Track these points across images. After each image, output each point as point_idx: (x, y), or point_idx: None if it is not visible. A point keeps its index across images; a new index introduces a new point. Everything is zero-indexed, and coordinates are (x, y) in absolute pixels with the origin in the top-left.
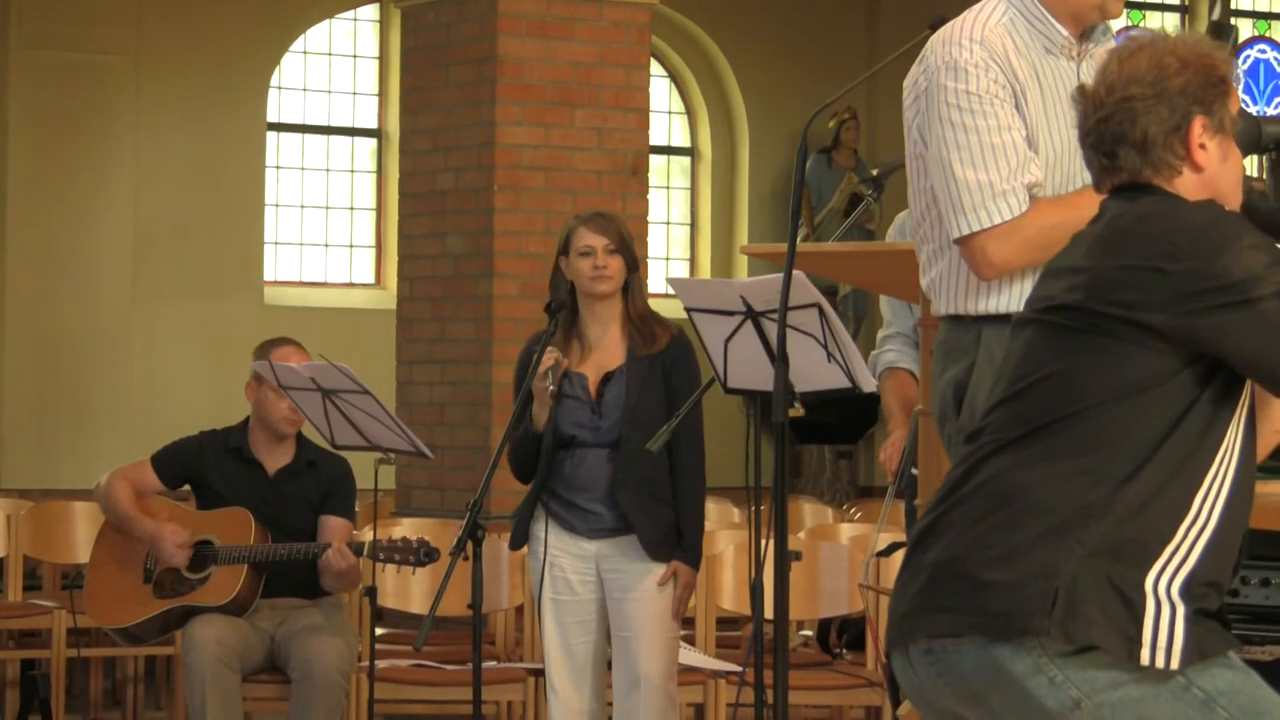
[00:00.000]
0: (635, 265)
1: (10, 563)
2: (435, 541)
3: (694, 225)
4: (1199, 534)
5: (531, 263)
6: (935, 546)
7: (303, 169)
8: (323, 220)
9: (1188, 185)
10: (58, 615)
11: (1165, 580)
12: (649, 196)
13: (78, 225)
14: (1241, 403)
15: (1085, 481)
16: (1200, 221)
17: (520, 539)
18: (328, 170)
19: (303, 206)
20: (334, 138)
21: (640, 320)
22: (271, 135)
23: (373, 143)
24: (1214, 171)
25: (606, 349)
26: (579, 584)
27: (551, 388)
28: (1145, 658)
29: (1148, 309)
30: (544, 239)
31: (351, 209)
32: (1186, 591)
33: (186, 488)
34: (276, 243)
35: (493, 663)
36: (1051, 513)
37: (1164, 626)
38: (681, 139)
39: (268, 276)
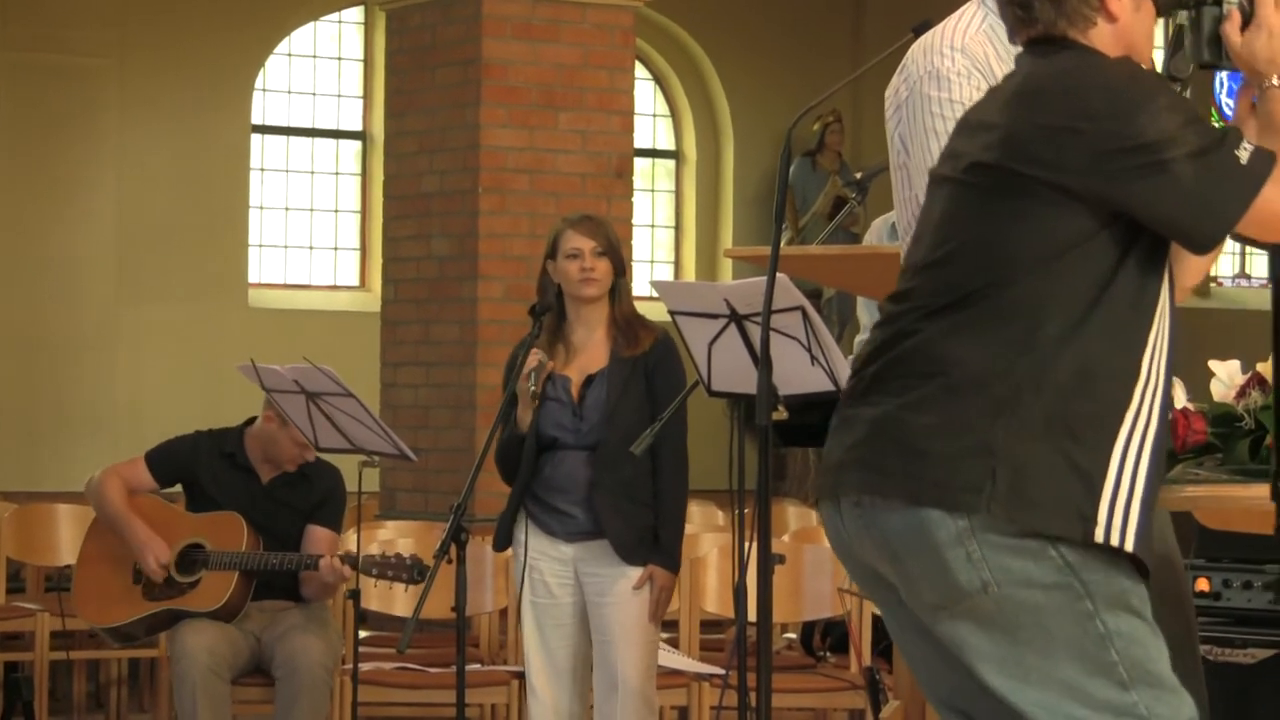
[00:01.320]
0: (623, 269)
1: None
2: (419, 544)
3: (678, 228)
4: (1154, 394)
5: (516, 265)
6: (871, 403)
7: (287, 171)
8: (307, 222)
9: (1103, 37)
10: (41, 618)
11: (1134, 447)
12: (633, 199)
13: (62, 227)
14: (1169, 261)
15: (1017, 351)
16: (1116, 80)
17: (504, 541)
18: (312, 172)
19: (287, 209)
20: (319, 140)
21: (625, 323)
22: (256, 137)
23: (357, 145)
24: (1127, 21)
25: (591, 352)
26: (557, 587)
27: (534, 389)
28: (1099, 536)
29: (1062, 169)
30: (529, 241)
31: (336, 211)
32: (1153, 460)
33: (178, 486)
34: (261, 245)
35: (476, 665)
36: (986, 386)
37: (1120, 507)
38: (666, 142)
39: (252, 279)
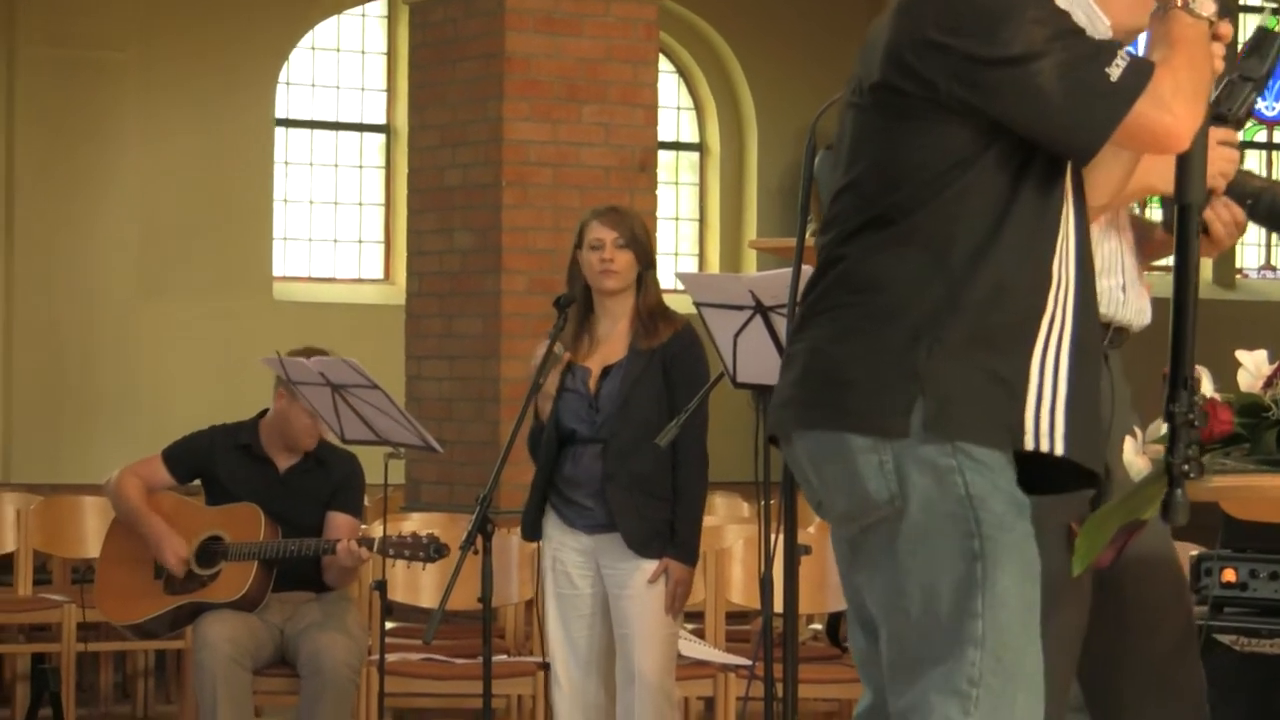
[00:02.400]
0: (649, 261)
1: (20, 557)
2: (444, 536)
3: (702, 221)
4: (1066, 294)
5: (539, 258)
6: (804, 339)
7: (311, 164)
8: (331, 216)
9: None
10: (67, 609)
11: (1053, 351)
12: (657, 192)
13: (85, 222)
14: (1068, 167)
15: (932, 274)
16: None
17: (532, 531)
18: (336, 166)
19: (311, 202)
20: (342, 133)
21: (648, 315)
22: (280, 131)
23: (381, 138)
24: None
25: (612, 343)
26: (579, 578)
27: (541, 381)
28: (1029, 443)
29: (933, 85)
30: (552, 235)
31: (360, 204)
32: (1073, 361)
33: (197, 482)
34: (285, 238)
35: (502, 656)
36: (905, 311)
37: (1045, 412)
38: (690, 135)
39: (276, 272)
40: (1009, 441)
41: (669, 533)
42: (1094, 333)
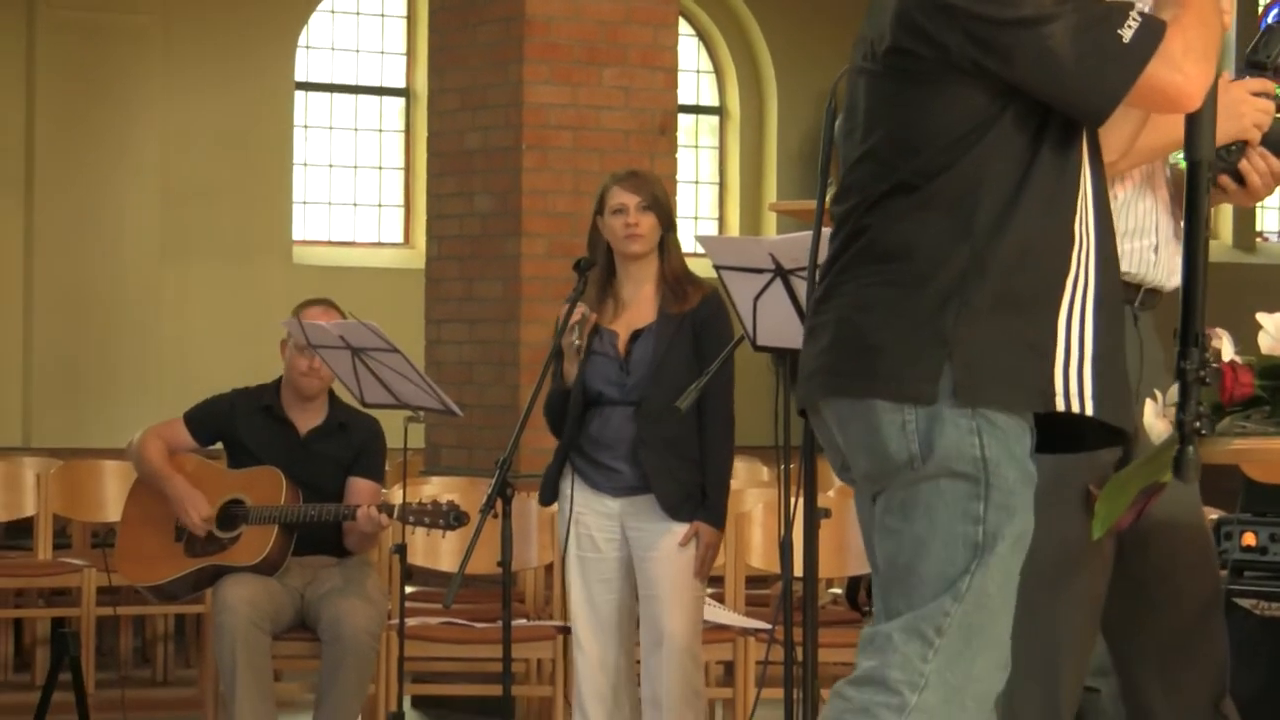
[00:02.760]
0: (670, 224)
1: (40, 521)
2: (463, 500)
3: (722, 184)
4: (1088, 254)
5: (559, 221)
6: (831, 309)
7: (331, 128)
8: (351, 180)
9: None
10: (87, 574)
11: (1078, 311)
12: (677, 156)
13: (106, 185)
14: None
15: (957, 239)
16: None
17: (549, 495)
18: (356, 130)
19: (331, 166)
20: (362, 97)
21: (674, 279)
22: (299, 95)
23: (401, 102)
24: None
25: (639, 307)
26: (603, 541)
27: (578, 342)
28: (1059, 404)
29: (946, 47)
30: (572, 198)
31: (379, 168)
32: (1098, 320)
33: (219, 445)
34: (305, 202)
35: (522, 620)
36: (930, 276)
37: (1073, 373)
38: (710, 98)
39: (296, 236)
40: (1038, 403)
41: (699, 496)
42: (1116, 291)
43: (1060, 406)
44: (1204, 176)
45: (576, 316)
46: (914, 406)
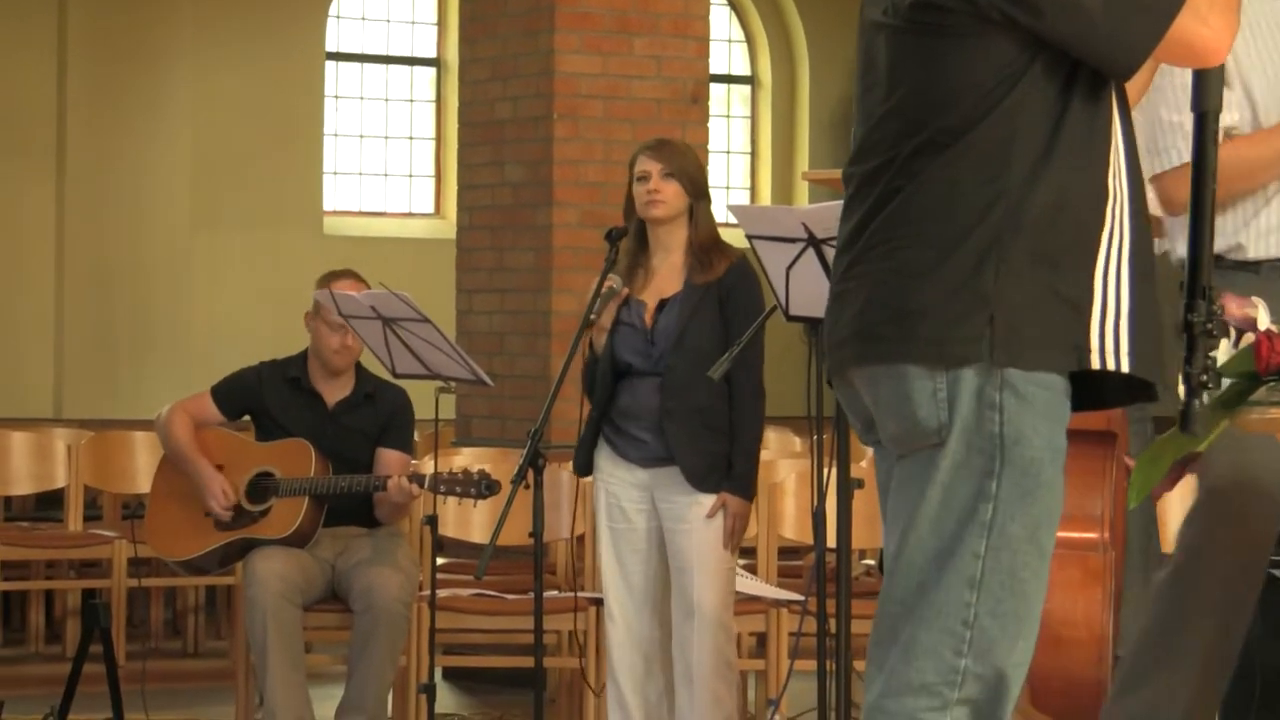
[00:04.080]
0: (700, 194)
1: (71, 492)
2: (495, 471)
3: (754, 154)
4: (1122, 210)
5: (590, 191)
6: (862, 274)
7: (361, 98)
8: (382, 150)
9: None
10: (118, 545)
11: (1114, 266)
12: (709, 125)
13: (136, 154)
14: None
15: (992, 196)
16: None
17: (584, 466)
18: (387, 100)
19: (362, 136)
20: (393, 67)
21: (702, 248)
22: (330, 65)
23: (432, 72)
24: None
25: (667, 276)
26: (634, 512)
27: (592, 317)
28: (1095, 362)
29: (974, 0)
30: (603, 168)
31: (411, 138)
32: (1133, 275)
33: (247, 418)
34: (335, 172)
35: (554, 592)
36: (966, 235)
37: (1109, 329)
38: (741, 67)
39: (327, 206)
40: (1074, 361)
41: (726, 467)
42: (1149, 247)
43: (1096, 364)
44: (1210, 126)
45: (605, 288)
46: (945, 373)
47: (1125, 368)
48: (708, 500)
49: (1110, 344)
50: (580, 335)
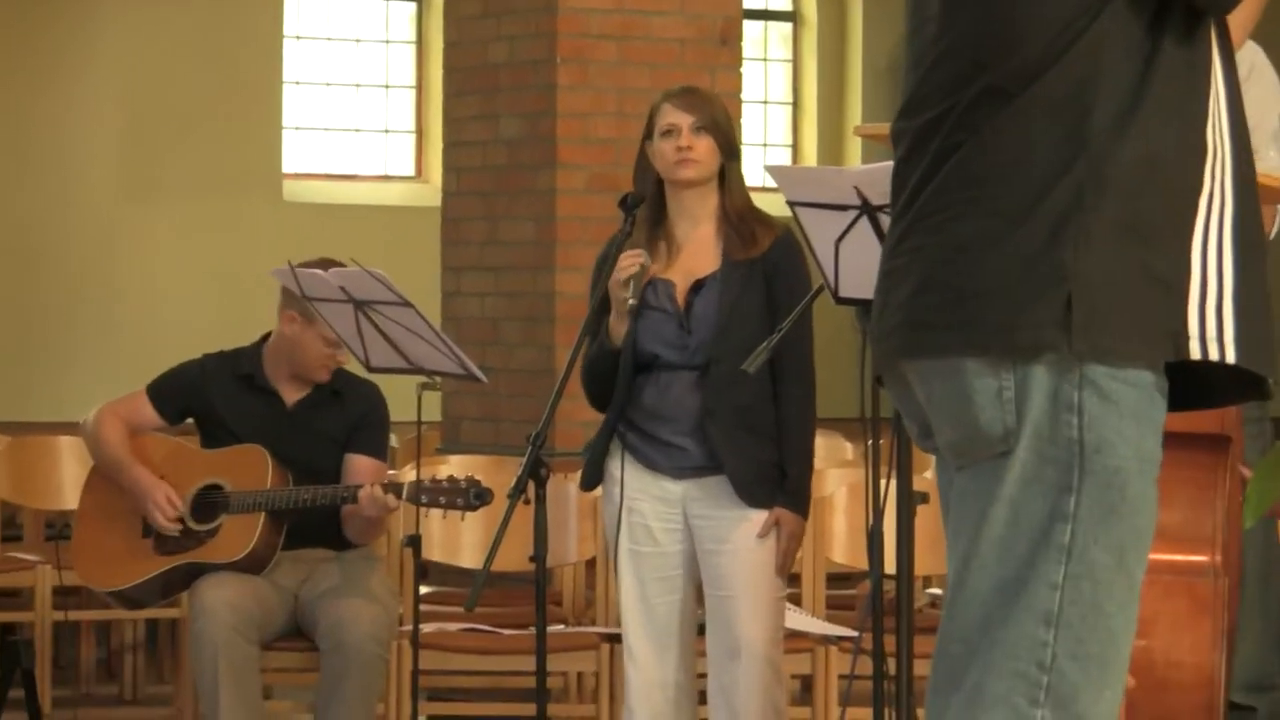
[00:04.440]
0: (732, 152)
1: None
2: (490, 483)
3: (796, 104)
4: (1223, 170)
5: (601, 150)
6: (915, 249)
7: (327, 39)
8: (352, 101)
9: None
10: (41, 571)
11: (1214, 236)
12: (742, 70)
13: (55, 112)
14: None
15: (1067, 150)
16: None
17: (593, 478)
18: (358, 41)
19: (328, 84)
20: (364, 1)
21: (739, 218)
22: None
23: (412, 7)
24: None
25: (697, 252)
26: (661, 532)
27: (632, 301)
28: (1195, 351)
29: None
30: (616, 121)
31: (386, 87)
32: (1237, 249)
33: (190, 421)
34: (296, 128)
35: (559, 626)
36: (1040, 199)
37: (1210, 312)
38: (781, 1)
39: (286, 169)
40: (1170, 350)
41: (777, 476)
42: (1256, 214)
43: (1195, 354)
44: None
45: (630, 267)
46: (1012, 369)
47: (1230, 358)
48: (756, 516)
49: (1212, 329)
50: (589, 322)
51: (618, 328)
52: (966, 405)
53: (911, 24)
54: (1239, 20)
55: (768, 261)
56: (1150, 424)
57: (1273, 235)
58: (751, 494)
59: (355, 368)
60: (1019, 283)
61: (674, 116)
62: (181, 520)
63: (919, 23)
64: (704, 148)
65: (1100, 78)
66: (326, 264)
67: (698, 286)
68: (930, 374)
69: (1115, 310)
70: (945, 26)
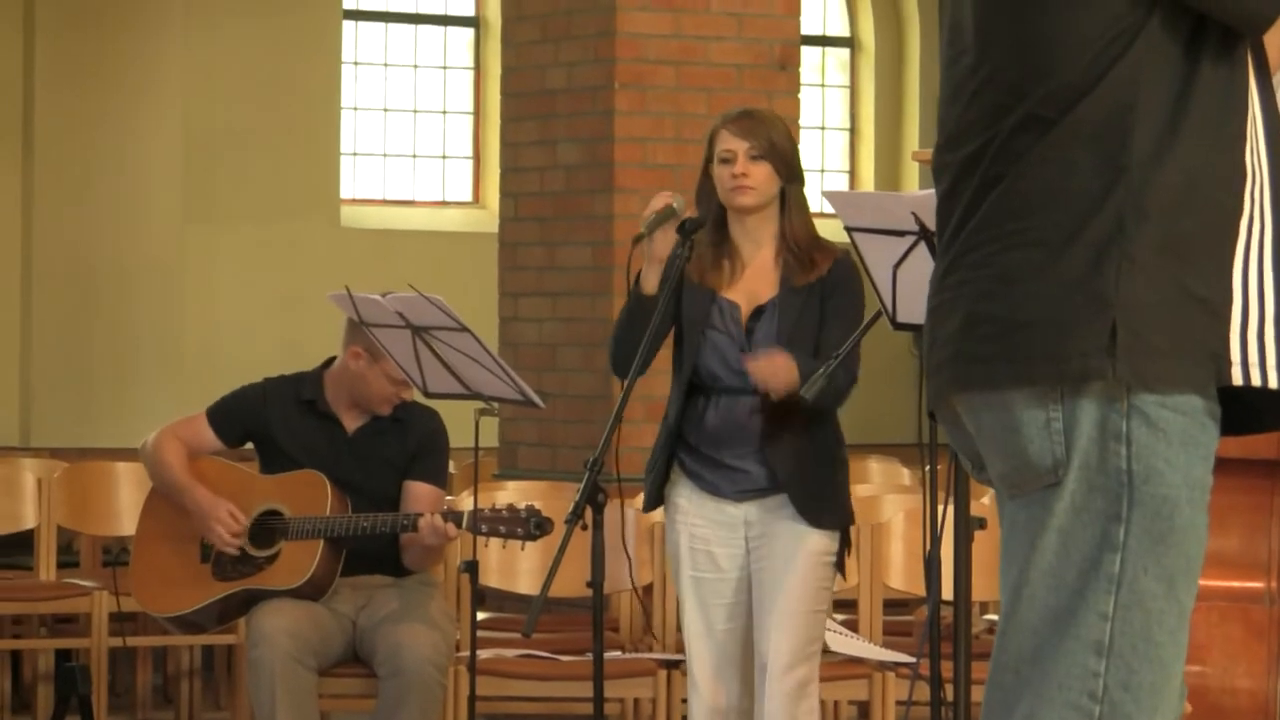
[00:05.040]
0: (793, 176)
1: (42, 535)
2: (547, 509)
3: (854, 129)
4: (1262, 189)
5: (658, 174)
6: (961, 282)
7: (386, 65)
8: (410, 127)
9: None
10: (98, 597)
11: (1254, 259)
12: (800, 96)
13: (119, 137)
14: (1247, 41)
15: (1107, 176)
16: None
17: (655, 499)
18: (415, 66)
19: (386, 110)
20: (423, 27)
21: (798, 243)
22: (349, 25)
23: (470, 33)
24: None
25: (758, 275)
26: (725, 557)
27: (642, 231)
28: (1237, 376)
29: None
30: (673, 147)
31: (444, 113)
32: (1278, 271)
33: (249, 446)
34: (355, 154)
35: (616, 652)
36: (1082, 227)
37: (1253, 335)
38: (839, 27)
39: (344, 194)
40: (1212, 375)
41: (836, 497)
42: None
43: (1238, 379)
44: None
45: (659, 203)
46: (1060, 400)
47: (1273, 383)
48: (814, 536)
49: (1255, 353)
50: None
51: (649, 277)
52: (1015, 437)
53: (948, 55)
54: (1277, 42)
55: (825, 284)
56: (1199, 450)
57: None
58: (812, 513)
59: (414, 394)
60: (1063, 312)
61: (730, 143)
62: (239, 550)
63: (955, 54)
64: (761, 174)
65: (1137, 103)
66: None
67: (758, 313)
68: (979, 406)
69: (1159, 334)
70: (981, 57)
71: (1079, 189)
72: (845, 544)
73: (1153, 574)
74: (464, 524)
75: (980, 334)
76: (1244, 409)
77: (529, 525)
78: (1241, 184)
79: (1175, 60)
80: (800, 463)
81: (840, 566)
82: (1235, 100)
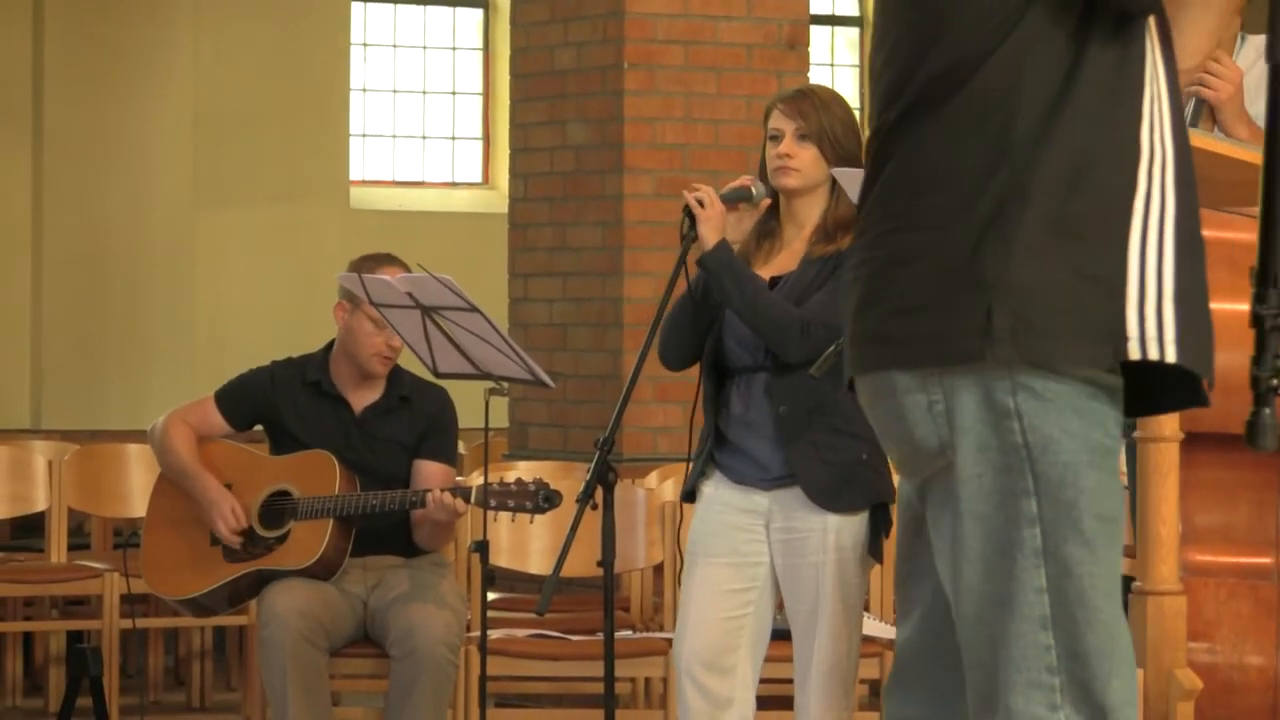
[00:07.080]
0: (846, 161)
1: (53, 517)
2: (557, 488)
3: (863, 108)
4: (1162, 169)
5: (668, 155)
6: (863, 261)
7: (394, 46)
8: (419, 108)
9: None
10: (109, 579)
11: (1154, 236)
12: (809, 75)
13: (128, 118)
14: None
15: (992, 159)
16: None
17: (692, 489)
18: (424, 48)
19: (395, 91)
20: (432, 8)
21: (834, 224)
22: (357, 6)
23: (478, 14)
24: None
25: (792, 256)
26: (746, 543)
27: (696, 194)
28: (1134, 351)
29: None
30: (683, 126)
31: (453, 94)
32: (1178, 249)
33: (259, 428)
34: (364, 135)
35: (627, 632)
36: (966, 208)
37: (1150, 311)
38: (848, 6)
39: (354, 176)
40: (1109, 353)
41: (862, 474)
42: (1196, 214)
43: (1135, 354)
44: None
45: (740, 183)
46: (940, 377)
47: (1170, 357)
48: (836, 523)
49: (1153, 328)
50: (681, 269)
51: (708, 233)
52: (901, 422)
53: (874, 40)
54: (1186, 39)
55: (841, 256)
56: (1095, 416)
57: None
58: (831, 499)
59: (423, 373)
60: (943, 295)
61: (779, 121)
62: (244, 534)
63: (879, 37)
64: (807, 157)
65: (1023, 83)
66: (385, 258)
67: (774, 284)
68: (870, 390)
69: (1047, 315)
70: (884, 37)
71: (965, 170)
72: (881, 524)
73: (1073, 541)
74: (472, 499)
75: (871, 316)
76: (1143, 390)
77: (538, 498)
78: (1135, 162)
79: (1063, 40)
80: (810, 444)
81: (876, 552)
82: (1130, 76)
